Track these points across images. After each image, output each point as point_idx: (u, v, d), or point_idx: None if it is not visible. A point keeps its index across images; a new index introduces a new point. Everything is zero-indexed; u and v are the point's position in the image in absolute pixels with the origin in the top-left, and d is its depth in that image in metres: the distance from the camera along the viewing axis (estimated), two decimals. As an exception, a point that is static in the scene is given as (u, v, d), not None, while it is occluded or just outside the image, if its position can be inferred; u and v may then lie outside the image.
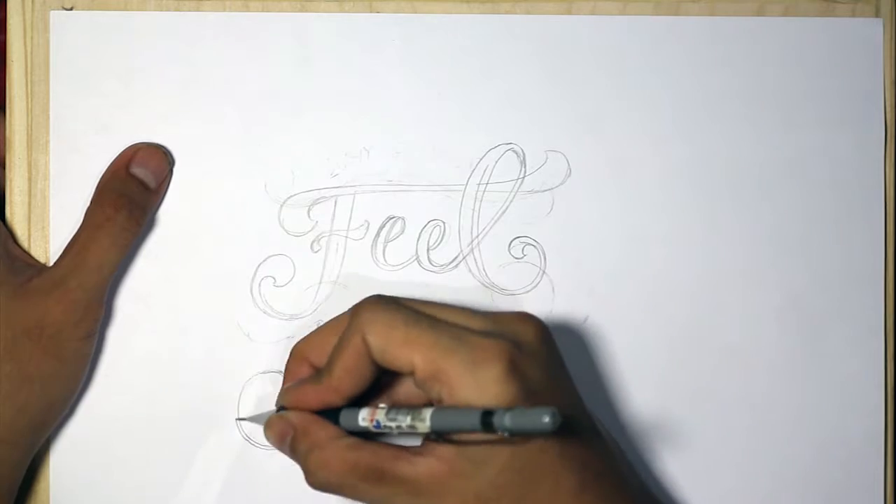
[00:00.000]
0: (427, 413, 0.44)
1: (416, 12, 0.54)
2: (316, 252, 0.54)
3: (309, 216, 0.54)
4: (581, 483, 0.45)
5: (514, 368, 0.44)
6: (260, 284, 0.53)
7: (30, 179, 0.53)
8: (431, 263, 0.54)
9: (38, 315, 0.49)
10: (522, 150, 0.54)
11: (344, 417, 0.47)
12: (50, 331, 0.49)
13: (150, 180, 0.52)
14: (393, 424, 0.45)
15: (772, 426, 0.54)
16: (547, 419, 0.40)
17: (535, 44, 0.54)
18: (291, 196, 0.54)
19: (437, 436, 0.45)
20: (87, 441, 0.53)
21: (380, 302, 0.47)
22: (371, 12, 0.54)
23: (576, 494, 0.45)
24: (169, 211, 0.53)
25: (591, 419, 0.48)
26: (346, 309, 0.52)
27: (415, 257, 0.54)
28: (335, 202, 0.54)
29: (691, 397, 0.54)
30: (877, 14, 0.54)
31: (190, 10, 0.53)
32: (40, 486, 0.53)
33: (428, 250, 0.54)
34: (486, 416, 0.42)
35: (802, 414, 0.54)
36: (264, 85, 0.53)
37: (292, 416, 0.48)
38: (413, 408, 0.45)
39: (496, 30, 0.54)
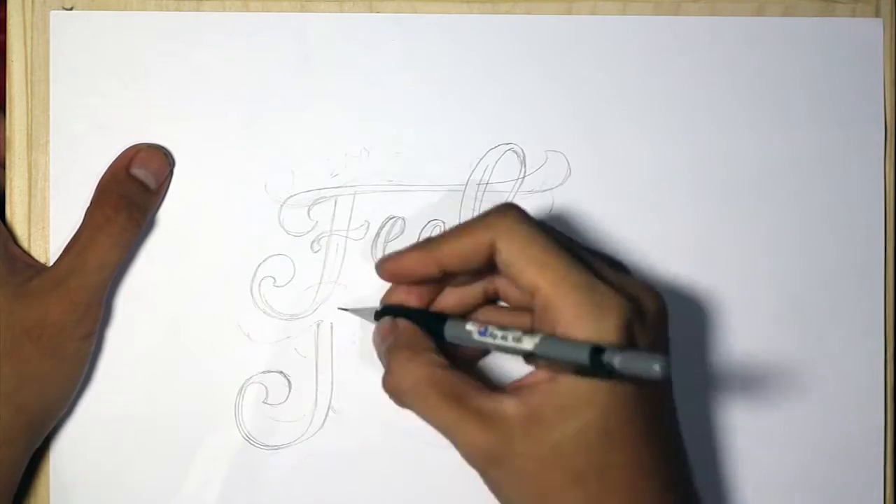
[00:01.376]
0: (538, 335, 0.44)
1: (416, 12, 0.54)
2: (316, 252, 0.54)
3: (309, 216, 0.54)
4: (654, 465, 0.45)
5: (628, 327, 0.44)
6: (260, 284, 0.53)
7: (30, 179, 0.53)
8: (431, 263, 0.54)
9: (38, 315, 0.49)
10: (522, 150, 0.54)
11: (450, 326, 0.47)
12: (50, 331, 0.49)
13: (151, 181, 0.52)
14: (499, 333, 0.45)
15: (771, 426, 0.54)
16: (657, 367, 0.39)
17: (535, 44, 0.54)
18: (291, 196, 0.54)
19: (535, 361, 0.44)
20: (87, 441, 0.53)
21: (522, 215, 0.46)
22: (371, 12, 0.54)
23: (648, 475, 0.45)
24: (169, 211, 0.53)
25: (674, 404, 0.48)
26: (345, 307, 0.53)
27: (415, 257, 0.54)
28: (335, 202, 0.54)
29: (691, 397, 0.54)
30: (877, 14, 0.54)
31: (190, 10, 0.53)
32: (40, 486, 0.53)
33: (428, 250, 0.54)
34: (596, 351, 0.41)
35: (802, 414, 0.54)
36: (264, 85, 0.53)
37: (402, 323, 0.48)
38: (529, 329, 0.45)
39: (496, 30, 0.54)
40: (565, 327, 0.44)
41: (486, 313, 0.50)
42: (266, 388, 0.53)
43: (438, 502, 0.54)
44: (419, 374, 0.46)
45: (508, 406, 0.44)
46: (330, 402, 0.53)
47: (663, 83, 0.54)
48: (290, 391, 0.53)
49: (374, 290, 0.53)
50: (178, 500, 0.53)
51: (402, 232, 0.54)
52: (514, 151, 0.54)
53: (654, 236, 0.54)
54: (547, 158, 0.54)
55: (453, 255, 0.46)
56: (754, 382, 0.54)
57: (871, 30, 0.54)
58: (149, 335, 0.53)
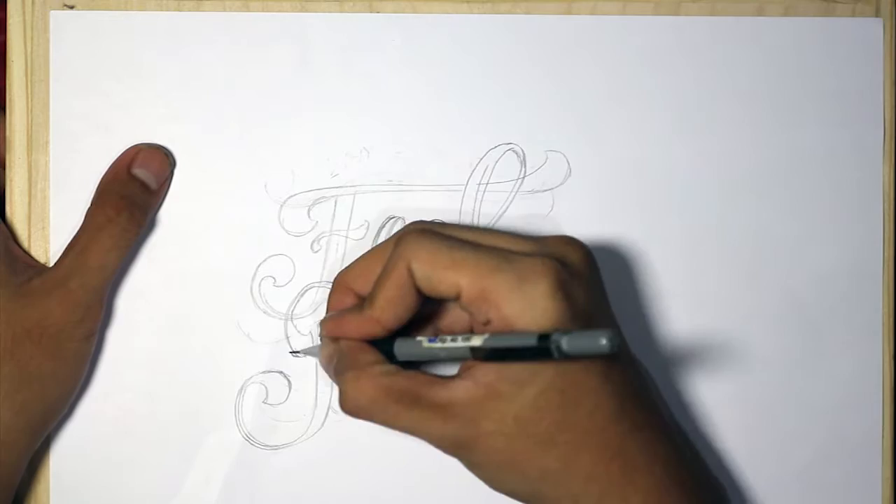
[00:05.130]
0: (483, 335, 0.44)
1: (416, 12, 0.54)
2: (316, 252, 0.54)
3: (309, 216, 0.54)
4: (620, 407, 0.45)
5: (561, 286, 0.44)
6: (260, 284, 0.53)
7: (30, 179, 0.53)
8: (431, 263, 0.54)
9: (38, 315, 0.49)
10: (522, 150, 0.54)
11: (399, 346, 0.47)
12: (50, 331, 0.49)
13: (152, 181, 0.52)
14: (448, 337, 0.45)
15: (771, 426, 0.54)
16: (604, 342, 0.39)
17: (535, 44, 0.54)
18: (291, 196, 0.54)
19: (485, 358, 0.44)
20: (88, 441, 0.53)
21: (423, 229, 0.46)
22: (371, 12, 0.54)
23: (615, 419, 0.45)
24: (169, 211, 0.53)
25: (626, 345, 0.48)
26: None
27: (415, 257, 0.54)
28: (335, 202, 0.54)
29: (691, 396, 0.54)
30: (877, 14, 0.54)
31: (190, 10, 0.53)
32: (40, 487, 0.53)
33: (428, 250, 0.54)
34: (542, 339, 0.41)
35: (801, 414, 0.54)
36: (264, 85, 0.53)
37: (343, 342, 0.48)
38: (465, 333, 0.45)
39: (496, 30, 0.54)
40: (499, 312, 0.44)
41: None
42: (266, 388, 0.53)
43: (438, 502, 0.54)
44: (370, 389, 0.46)
45: (463, 391, 0.45)
46: (330, 401, 0.53)
47: (663, 83, 0.54)
48: (290, 391, 0.53)
49: (374, 290, 0.53)
50: (178, 500, 0.53)
51: (403, 232, 0.54)
52: (514, 151, 0.54)
53: (654, 236, 0.54)
54: (547, 158, 0.54)
55: (388, 307, 0.46)
56: (754, 382, 0.54)
57: (871, 30, 0.54)
58: (149, 335, 0.53)
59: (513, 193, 0.54)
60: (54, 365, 0.50)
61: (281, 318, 0.53)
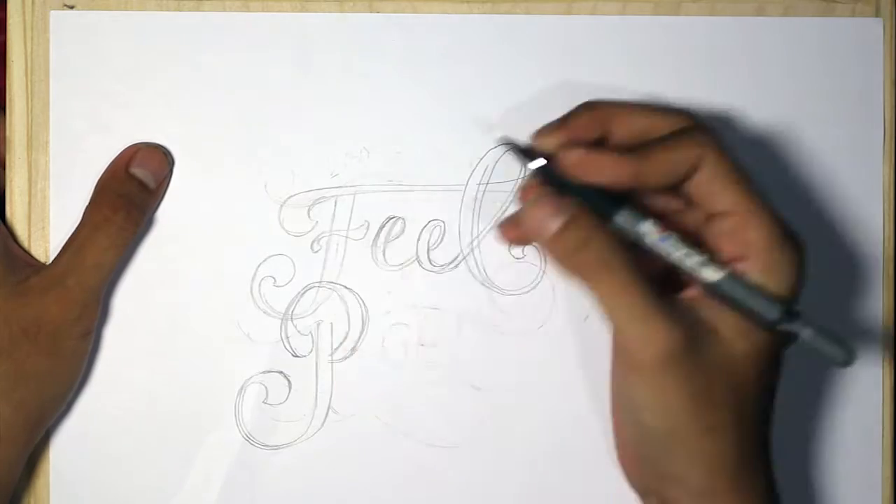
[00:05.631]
0: (724, 270, 0.43)
1: (416, 12, 0.54)
2: (316, 252, 0.54)
3: (309, 216, 0.54)
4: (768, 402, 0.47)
5: (803, 268, 0.45)
6: (260, 284, 0.53)
7: (30, 179, 0.53)
8: (432, 263, 0.54)
9: (35, 313, 0.49)
10: (522, 150, 0.54)
11: (624, 217, 0.45)
12: (47, 329, 0.49)
13: (150, 181, 0.52)
14: (683, 250, 0.44)
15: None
16: (844, 356, 0.39)
17: (535, 44, 0.54)
18: (291, 196, 0.54)
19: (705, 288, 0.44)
20: (87, 441, 0.53)
21: (722, 139, 0.46)
22: (371, 12, 0.54)
23: (764, 413, 0.47)
24: (168, 211, 0.53)
25: None
26: (344, 309, 0.53)
27: (415, 257, 0.54)
28: (335, 202, 0.54)
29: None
30: (877, 14, 0.54)
31: (190, 11, 0.53)
32: (40, 485, 0.53)
33: (428, 250, 0.54)
34: (786, 315, 0.41)
35: (801, 414, 0.54)
36: (264, 85, 0.53)
37: (572, 201, 0.45)
38: (710, 254, 0.44)
39: (496, 30, 0.54)
40: (755, 256, 0.44)
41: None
42: (266, 387, 0.53)
43: (438, 502, 0.54)
44: (606, 245, 0.44)
45: (696, 313, 0.44)
46: (330, 401, 0.53)
47: (663, 83, 0.54)
48: (290, 391, 0.53)
49: (375, 291, 0.53)
50: (178, 499, 0.53)
51: (402, 232, 0.54)
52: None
53: (654, 236, 0.54)
54: (547, 158, 0.54)
55: (657, 171, 0.45)
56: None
57: (871, 30, 0.54)
58: (148, 335, 0.53)
59: (513, 193, 0.54)
60: (51, 363, 0.50)
61: (281, 318, 0.53)
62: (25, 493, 0.53)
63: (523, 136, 0.54)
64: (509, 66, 0.54)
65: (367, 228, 0.54)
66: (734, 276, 0.44)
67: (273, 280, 0.53)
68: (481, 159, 0.54)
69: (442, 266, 0.54)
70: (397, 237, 0.54)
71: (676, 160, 0.45)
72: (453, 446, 0.54)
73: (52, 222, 0.53)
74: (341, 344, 0.54)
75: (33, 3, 0.53)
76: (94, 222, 0.50)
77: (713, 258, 0.45)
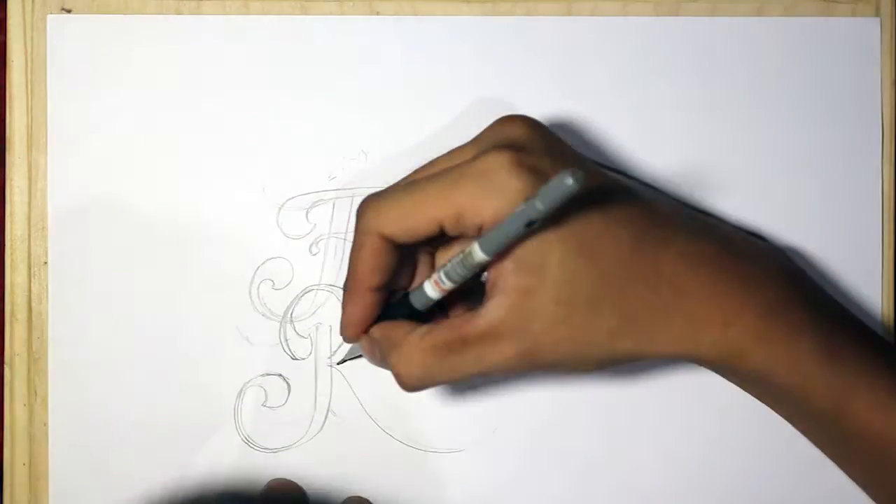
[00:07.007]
0: (474, 244, 0.44)
1: (416, 13, 0.54)
2: (314, 255, 0.54)
3: (307, 219, 0.54)
4: (636, 234, 0.46)
5: (518, 163, 0.44)
6: (258, 287, 0.53)
7: (30, 179, 0.53)
8: (431, 265, 0.54)
9: None
10: (522, 151, 0.54)
11: (413, 298, 0.47)
12: None
13: None
14: (449, 264, 0.45)
15: (770, 425, 0.54)
16: (569, 180, 0.40)
17: (535, 44, 0.54)
18: (290, 199, 0.54)
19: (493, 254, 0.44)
20: (87, 443, 0.53)
21: (371, 195, 0.47)
22: (371, 13, 0.54)
23: (634, 246, 0.45)
24: (167, 214, 0.53)
25: (617, 182, 0.48)
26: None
27: (414, 259, 0.54)
28: (333, 205, 0.54)
29: (690, 395, 0.54)
30: (876, 14, 0.54)
31: (190, 13, 0.53)
32: (40, 486, 0.53)
33: (427, 252, 0.54)
34: (522, 211, 0.42)
35: (803, 415, 0.54)
36: (264, 87, 0.53)
37: (372, 329, 0.48)
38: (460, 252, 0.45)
39: (496, 30, 0.54)
40: (483, 216, 0.44)
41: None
42: (265, 390, 0.53)
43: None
44: (417, 358, 0.46)
45: (497, 307, 0.45)
46: (329, 404, 0.53)
47: (663, 83, 0.54)
48: (289, 394, 0.53)
49: (375, 292, 0.53)
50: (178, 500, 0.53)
51: (402, 233, 0.54)
52: (514, 152, 0.54)
53: (654, 237, 0.54)
54: (547, 159, 0.54)
55: (372, 275, 0.47)
56: (755, 383, 0.54)
57: (871, 30, 0.54)
58: (148, 338, 0.53)
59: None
60: None
61: (280, 321, 0.53)
62: (26, 493, 0.52)
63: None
64: (509, 66, 0.54)
65: (367, 230, 0.54)
66: (484, 236, 0.44)
67: (272, 283, 0.53)
68: (481, 160, 0.54)
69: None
70: (397, 238, 0.54)
71: (369, 263, 0.47)
72: (453, 450, 0.53)
73: (51, 222, 0.53)
74: (340, 346, 0.53)
75: (32, 4, 0.53)
76: None
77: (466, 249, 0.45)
